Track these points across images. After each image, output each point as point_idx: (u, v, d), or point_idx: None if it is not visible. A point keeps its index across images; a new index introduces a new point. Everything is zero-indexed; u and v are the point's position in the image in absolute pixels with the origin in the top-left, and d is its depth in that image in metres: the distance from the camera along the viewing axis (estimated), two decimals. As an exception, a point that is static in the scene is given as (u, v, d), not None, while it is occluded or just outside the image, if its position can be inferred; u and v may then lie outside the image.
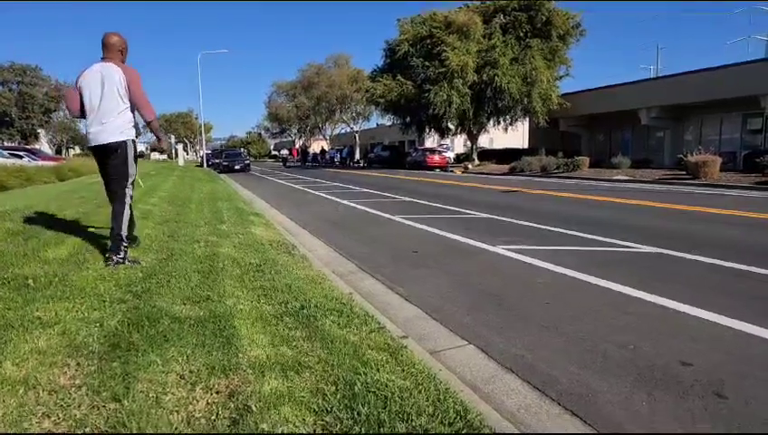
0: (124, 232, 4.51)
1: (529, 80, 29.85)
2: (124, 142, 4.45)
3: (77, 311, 3.25)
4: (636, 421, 2.51)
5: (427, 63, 30.79)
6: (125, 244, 4.55)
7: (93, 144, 4.49)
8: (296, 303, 3.75)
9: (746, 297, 4.40)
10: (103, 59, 4.46)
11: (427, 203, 12.27)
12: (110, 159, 4.51)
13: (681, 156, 20.28)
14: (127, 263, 4.49)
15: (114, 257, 4.47)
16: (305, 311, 3.57)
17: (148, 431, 1.99)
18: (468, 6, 32.57)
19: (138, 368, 2.50)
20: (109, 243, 4.70)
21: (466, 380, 2.93)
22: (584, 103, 30.98)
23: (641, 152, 27.79)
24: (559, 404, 2.69)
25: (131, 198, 4.63)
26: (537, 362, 3.19)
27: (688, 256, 5.88)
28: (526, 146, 38.17)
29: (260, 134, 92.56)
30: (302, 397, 2.33)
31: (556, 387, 2.87)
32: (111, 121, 4.39)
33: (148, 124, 4.70)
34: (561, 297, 4.51)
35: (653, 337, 3.53)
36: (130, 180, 4.56)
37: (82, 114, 4.53)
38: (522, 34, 30.60)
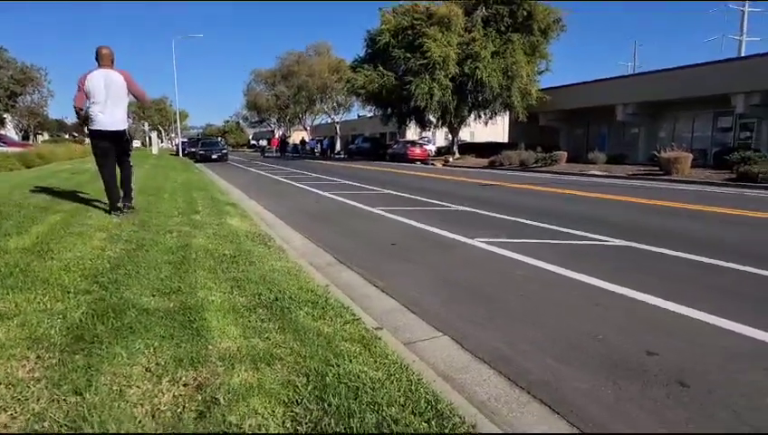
0: (134, 189, 6.94)
1: (509, 74, 29.93)
2: (127, 129, 6.44)
3: (39, 302, 3.16)
4: (601, 409, 2.55)
5: (408, 55, 30.60)
6: (133, 197, 6.85)
7: (105, 129, 6.16)
8: (270, 294, 3.69)
9: (710, 289, 4.50)
10: (100, 66, 6.14)
11: (407, 196, 12.25)
12: (119, 141, 6.37)
13: (654, 152, 20.63)
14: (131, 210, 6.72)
15: (127, 206, 6.67)
16: (279, 302, 3.52)
17: (110, 425, 1.94)
18: (451, -3, 32.47)
19: (101, 360, 2.43)
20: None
21: (440, 370, 2.92)
22: (563, 99, 31.26)
23: (617, 148, 28.14)
24: (528, 393, 2.72)
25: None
26: (510, 353, 3.21)
27: (656, 249, 5.97)
28: (506, 140, 38.34)
29: (238, 123, 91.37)
30: (273, 389, 2.29)
31: (527, 377, 2.89)
32: (117, 114, 6.20)
33: (144, 102, 7.06)
34: (535, 290, 4.55)
35: (622, 328, 3.58)
36: (131, 153, 6.73)
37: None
38: (503, 28, 30.61)
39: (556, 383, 2.82)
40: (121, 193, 6.66)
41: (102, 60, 6.15)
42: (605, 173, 20.66)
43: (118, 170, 6.58)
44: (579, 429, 2.34)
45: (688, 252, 5.78)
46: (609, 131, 30.48)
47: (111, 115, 6.11)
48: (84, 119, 6.15)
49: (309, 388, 2.32)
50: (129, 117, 6.59)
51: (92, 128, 6.12)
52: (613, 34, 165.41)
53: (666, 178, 18.23)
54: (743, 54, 34.37)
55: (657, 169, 19.75)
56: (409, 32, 31.06)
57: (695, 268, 5.23)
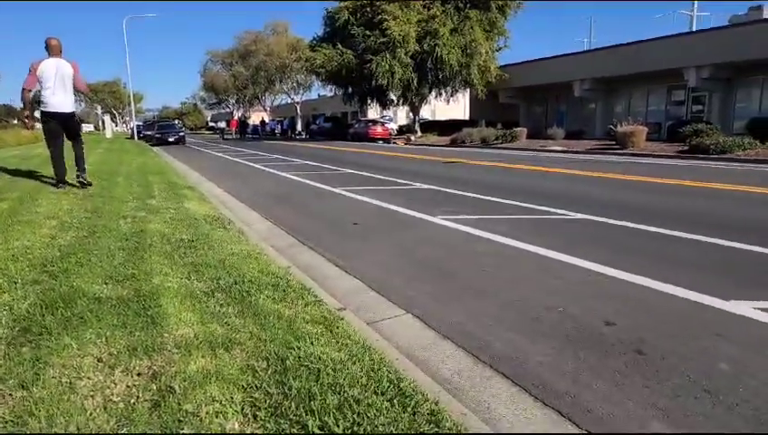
0: (86, 164, 7.69)
1: (468, 51, 29.96)
2: (75, 111, 7.31)
3: (-18, 294, 3.00)
4: (563, 380, 2.59)
5: (368, 33, 30.24)
6: (85, 171, 7.56)
7: (56, 111, 6.88)
8: (229, 278, 3.62)
9: (663, 259, 4.64)
10: (50, 55, 6.82)
11: (369, 175, 12.19)
12: (69, 122, 7.18)
13: (611, 127, 21.12)
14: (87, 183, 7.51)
15: (85, 181, 7.46)
16: (238, 286, 3.45)
17: (58, 419, 1.85)
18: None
19: (50, 353, 2.33)
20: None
21: (403, 349, 2.92)
22: (522, 75, 31.56)
23: (575, 123, 28.70)
24: (491, 367, 2.74)
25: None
26: (473, 329, 3.23)
27: (613, 222, 6.13)
28: (467, 118, 38.58)
29: (196, 105, 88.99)
30: (231, 374, 2.24)
31: (489, 351, 2.92)
32: (67, 98, 6.95)
33: (80, 91, 7.43)
34: (497, 265, 4.60)
35: (581, 300, 3.65)
36: (81, 132, 7.58)
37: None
38: (461, 5, 30.54)
39: (519, 356, 2.85)
40: (76, 171, 7.52)
41: (52, 50, 6.85)
42: (564, 148, 21.06)
43: (67, 150, 7.32)
44: (582, 428, 2.27)
45: (644, 223, 5.94)
46: (567, 107, 31.03)
47: (61, 99, 6.84)
48: (32, 101, 6.96)
49: (269, 372, 2.28)
50: (77, 100, 7.40)
51: (44, 110, 6.87)
52: (569, 11, 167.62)
53: (622, 151, 18.72)
54: (694, 29, 35.30)
55: (613, 143, 20.26)
56: (368, 9, 30.65)
57: (649, 239, 5.38)
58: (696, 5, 39.86)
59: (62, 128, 7.06)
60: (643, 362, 2.75)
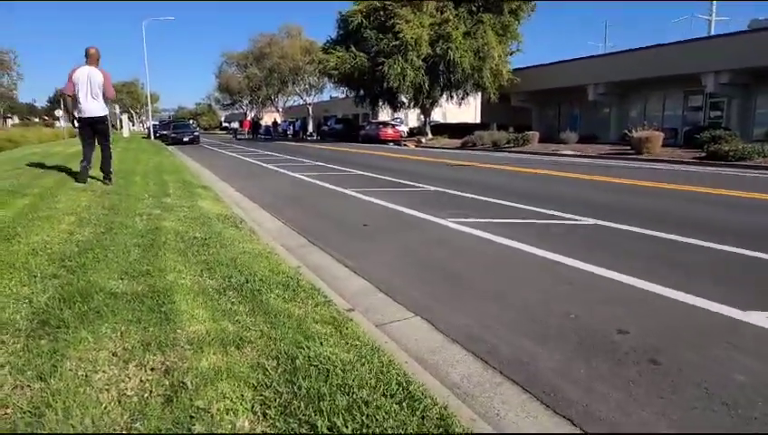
0: (112, 168, 8.22)
1: (481, 54, 29.89)
2: (107, 115, 7.75)
3: (4, 287, 3.09)
4: (574, 389, 2.58)
5: (380, 36, 30.29)
6: (112, 174, 8.13)
7: (88, 115, 7.47)
8: (241, 277, 3.66)
9: (675, 265, 4.59)
10: (87, 63, 7.42)
11: (379, 177, 12.22)
12: (100, 126, 7.69)
13: (626, 131, 20.91)
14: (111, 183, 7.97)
15: (108, 183, 7.92)
16: (249, 285, 3.49)
17: (74, 411, 1.90)
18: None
19: (67, 345, 2.39)
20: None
21: (411, 351, 2.93)
22: (534, 79, 31.38)
23: (589, 128, 28.45)
24: (501, 373, 2.73)
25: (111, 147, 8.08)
26: (482, 333, 3.23)
27: (625, 228, 6.09)
28: (479, 121, 38.46)
29: (210, 106, 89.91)
30: (242, 372, 2.28)
31: (499, 356, 2.91)
32: (96, 104, 7.48)
33: (108, 99, 7.72)
34: (506, 268, 4.60)
35: (591, 305, 3.63)
36: (111, 137, 8.04)
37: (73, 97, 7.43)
38: (474, 9, 30.50)
39: (529, 363, 2.84)
40: (102, 176, 8.08)
41: (89, 58, 7.48)
42: (577, 153, 20.90)
43: (97, 151, 7.94)
44: (582, 429, 2.27)
45: (655, 229, 5.90)
46: (580, 111, 30.78)
47: (91, 104, 7.44)
48: (73, 105, 7.50)
49: (279, 371, 2.32)
50: (107, 104, 7.79)
51: (78, 115, 7.57)
52: (583, 14, 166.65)
53: (636, 157, 18.49)
54: (712, 33, 34.87)
55: (628, 148, 20.00)
56: (381, 12, 30.69)
57: (661, 245, 5.34)
58: (714, 7, 39.40)
59: (92, 130, 7.67)
60: (658, 372, 2.71)
